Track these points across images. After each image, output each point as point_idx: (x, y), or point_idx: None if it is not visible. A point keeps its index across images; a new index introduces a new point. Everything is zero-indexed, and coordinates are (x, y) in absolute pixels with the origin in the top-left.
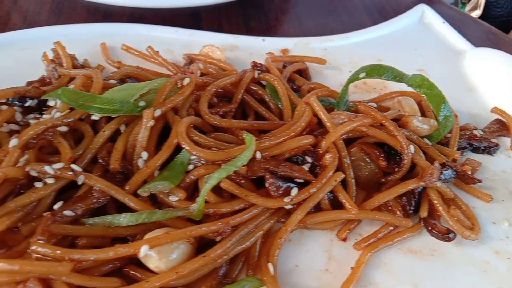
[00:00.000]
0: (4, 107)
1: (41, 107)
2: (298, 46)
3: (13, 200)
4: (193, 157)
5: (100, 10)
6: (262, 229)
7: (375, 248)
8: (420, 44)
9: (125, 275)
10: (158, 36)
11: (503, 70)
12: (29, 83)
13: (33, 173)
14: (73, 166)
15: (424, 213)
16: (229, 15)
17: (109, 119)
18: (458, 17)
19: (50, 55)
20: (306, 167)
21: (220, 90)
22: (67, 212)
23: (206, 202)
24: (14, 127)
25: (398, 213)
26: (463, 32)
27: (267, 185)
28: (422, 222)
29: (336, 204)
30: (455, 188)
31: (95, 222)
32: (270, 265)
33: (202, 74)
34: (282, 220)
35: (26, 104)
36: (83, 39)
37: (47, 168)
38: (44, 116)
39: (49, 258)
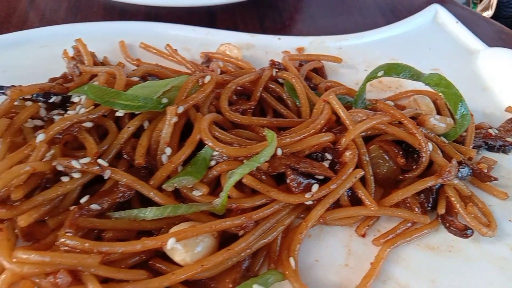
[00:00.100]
0: (29, 103)
1: (65, 103)
2: (314, 45)
3: (40, 194)
4: (215, 153)
5: (116, 9)
6: (283, 224)
7: (393, 244)
8: (434, 44)
9: (150, 268)
10: (175, 34)
11: None
12: (52, 79)
13: (60, 168)
14: (100, 161)
15: (442, 210)
16: (244, 14)
17: (131, 116)
18: (470, 17)
19: (70, 53)
20: (325, 164)
21: (239, 88)
22: (94, 206)
23: (229, 197)
24: (38, 122)
25: (416, 210)
26: (475, 32)
27: (288, 181)
28: (439, 218)
29: (355, 201)
30: (471, 186)
31: (121, 215)
32: (291, 260)
33: (221, 72)
34: (302, 216)
35: (51, 100)
36: (101, 37)
37: (74, 163)
38: (68, 112)
39: (77, 250)
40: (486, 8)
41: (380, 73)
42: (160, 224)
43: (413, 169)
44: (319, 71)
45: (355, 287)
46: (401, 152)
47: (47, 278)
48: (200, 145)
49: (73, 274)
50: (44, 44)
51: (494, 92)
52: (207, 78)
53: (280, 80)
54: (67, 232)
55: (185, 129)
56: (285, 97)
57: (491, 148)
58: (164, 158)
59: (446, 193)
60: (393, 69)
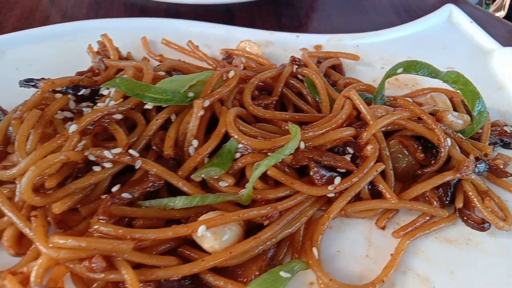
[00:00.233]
0: (59, 95)
1: (93, 96)
2: (331, 42)
3: (73, 182)
4: (240, 145)
5: (137, 5)
6: (306, 215)
7: (413, 236)
8: (449, 43)
9: (179, 255)
10: (196, 31)
11: None
12: (80, 73)
13: (92, 158)
14: (131, 151)
15: (460, 203)
16: (262, 12)
17: (158, 109)
18: (484, 17)
19: (95, 47)
20: (347, 157)
21: (260, 84)
22: (125, 195)
23: (254, 188)
24: (68, 114)
25: (435, 203)
26: (489, 32)
27: (311, 173)
28: (457, 212)
29: (375, 194)
30: (487, 181)
31: (151, 204)
32: (314, 250)
33: (243, 68)
34: (323, 208)
35: (80, 93)
36: (123, 33)
37: (106, 153)
38: (98, 104)
39: (110, 237)
40: (498, 9)
41: (399, 70)
42: (188, 213)
43: (432, 164)
44: (337, 68)
45: (376, 277)
46: (420, 147)
47: (82, 263)
48: (224, 137)
49: (106, 259)
50: (68, 39)
51: (509, 91)
52: (231, 73)
53: (299, 76)
54: (101, 219)
55: (209, 122)
56: (305, 93)
57: (506, 145)
58: (191, 150)
59: (464, 188)
60: (412, 66)
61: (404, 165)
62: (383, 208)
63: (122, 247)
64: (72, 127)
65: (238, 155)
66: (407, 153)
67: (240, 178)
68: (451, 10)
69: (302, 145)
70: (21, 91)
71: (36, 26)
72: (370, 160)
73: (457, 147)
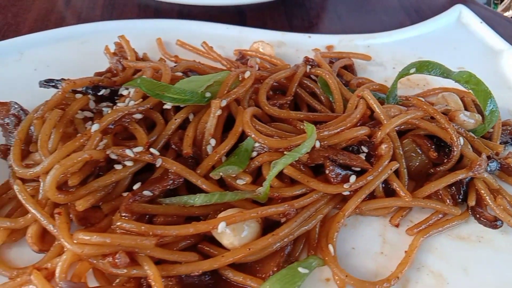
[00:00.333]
0: (79, 95)
1: (113, 96)
2: (343, 43)
3: (95, 180)
4: (256, 144)
5: (150, 7)
6: (322, 212)
7: (426, 233)
8: (459, 43)
9: (199, 251)
10: (209, 32)
11: None
12: (98, 74)
13: (113, 156)
14: (152, 150)
15: (472, 201)
16: (273, 13)
17: (176, 109)
18: (493, 17)
19: (111, 48)
20: (361, 156)
21: (274, 84)
22: (146, 192)
23: (270, 186)
24: (87, 114)
25: (448, 201)
26: (498, 32)
27: (327, 171)
28: (470, 210)
29: (388, 192)
30: (499, 180)
31: (172, 201)
32: (330, 247)
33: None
34: (338, 206)
35: (100, 93)
36: (137, 34)
37: (128, 152)
38: (118, 104)
39: (133, 233)
40: (506, 9)
41: (412, 70)
42: (207, 210)
43: (445, 163)
44: (349, 68)
45: (391, 273)
46: (433, 146)
47: (106, 259)
48: (240, 137)
49: (129, 255)
50: (84, 40)
51: None
52: (247, 74)
53: (312, 76)
54: (123, 216)
55: (225, 122)
56: (318, 93)
57: None
58: (209, 149)
59: (476, 186)
60: (424, 67)
61: (417, 163)
62: (397, 206)
63: (145, 243)
64: (94, 127)
65: (254, 154)
66: (420, 152)
67: (257, 177)
68: (461, 11)
69: (318, 144)
70: (40, 91)
71: (52, 28)
72: (384, 159)
73: (470, 146)
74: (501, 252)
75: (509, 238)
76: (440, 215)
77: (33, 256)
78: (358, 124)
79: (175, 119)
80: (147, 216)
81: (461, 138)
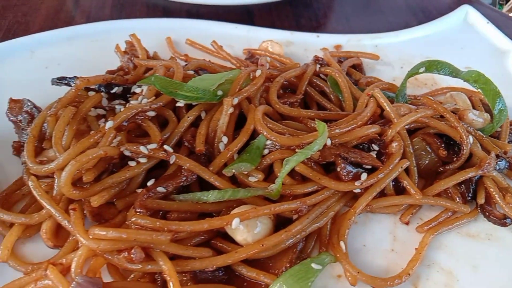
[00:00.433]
0: (92, 93)
1: (125, 93)
2: (351, 42)
3: (110, 176)
4: (268, 142)
5: (159, 7)
6: (333, 210)
7: (436, 231)
8: (466, 43)
9: (212, 247)
10: (218, 31)
11: None
12: (110, 72)
13: (127, 153)
14: (165, 147)
15: (481, 200)
16: (280, 13)
17: (188, 107)
18: (499, 18)
19: (122, 47)
20: (372, 154)
21: (284, 82)
22: (160, 189)
23: (282, 183)
24: (100, 111)
25: (458, 199)
26: (504, 32)
27: (338, 169)
28: (479, 208)
29: (398, 190)
30: (507, 178)
31: (185, 198)
32: (341, 243)
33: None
34: (348, 204)
35: (113, 91)
36: (147, 33)
37: (142, 149)
38: (131, 102)
39: (148, 228)
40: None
41: (421, 69)
42: (220, 207)
43: (454, 161)
44: (358, 67)
45: (402, 270)
46: (442, 145)
47: (121, 254)
48: (252, 135)
49: (144, 250)
50: (95, 38)
51: None
52: (258, 72)
53: (321, 75)
54: (138, 212)
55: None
56: (328, 91)
57: None
58: (221, 146)
59: (485, 184)
60: (433, 66)
61: (427, 162)
62: (408, 203)
63: (161, 239)
64: (109, 124)
65: (266, 151)
66: (430, 150)
67: (269, 174)
68: (467, 11)
69: (329, 142)
70: (51, 89)
71: (61, 27)
72: (395, 157)
73: (479, 145)
74: (510, 250)
75: None
76: (450, 213)
77: (47, 252)
78: (369, 123)
79: (188, 117)
80: (161, 212)
81: (470, 137)
